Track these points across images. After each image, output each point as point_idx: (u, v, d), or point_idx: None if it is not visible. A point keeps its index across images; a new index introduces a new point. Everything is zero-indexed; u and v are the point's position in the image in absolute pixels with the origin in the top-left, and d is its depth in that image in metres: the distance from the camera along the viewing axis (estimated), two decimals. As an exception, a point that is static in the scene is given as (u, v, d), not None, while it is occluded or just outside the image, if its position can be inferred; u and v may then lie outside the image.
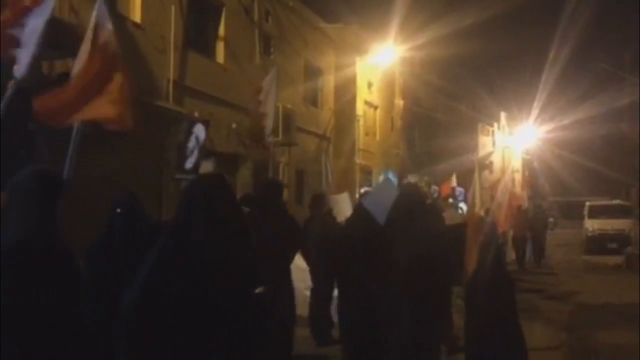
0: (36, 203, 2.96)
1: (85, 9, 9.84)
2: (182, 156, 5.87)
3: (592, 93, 33.73)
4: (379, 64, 22.93)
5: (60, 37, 8.49)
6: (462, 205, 14.37)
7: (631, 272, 16.17)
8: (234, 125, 14.27)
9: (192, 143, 6.36)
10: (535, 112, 35.66)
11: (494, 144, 38.20)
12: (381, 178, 23.40)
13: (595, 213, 23.57)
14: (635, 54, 24.20)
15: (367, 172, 22.90)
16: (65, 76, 9.03)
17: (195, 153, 6.04)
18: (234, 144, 14.51)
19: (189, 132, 6.43)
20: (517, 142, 40.72)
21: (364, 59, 21.87)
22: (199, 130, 6.36)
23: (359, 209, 5.46)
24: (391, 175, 24.06)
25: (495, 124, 38.78)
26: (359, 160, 21.99)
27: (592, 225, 22.87)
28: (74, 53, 8.75)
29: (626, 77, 25.84)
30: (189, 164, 6.01)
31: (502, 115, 39.78)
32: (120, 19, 10.97)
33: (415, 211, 5.04)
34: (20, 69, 4.52)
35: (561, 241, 23.97)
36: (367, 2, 24.34)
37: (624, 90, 26.79)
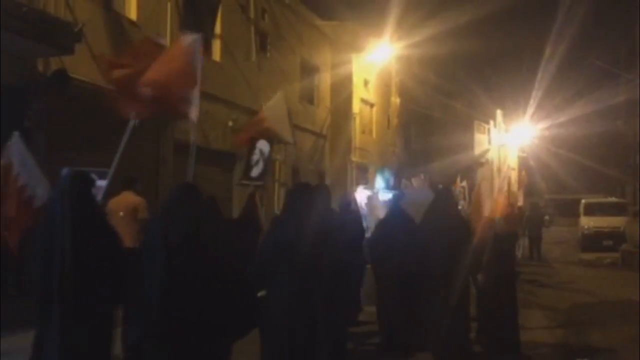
0: (191, 205, 4.14)
1: (81, 6, 9.83)
2: (248, 166, 7.49)
3: (588, 90, 33.80)
4: (375, 62, 22.93)
5: (55, 35, 8.50)
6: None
7: (627, 269, 16.23)
8: (230, 123, 14.28)
9: (256, 156, 7.76)
10: (531, 109, 35.67)
11: (490, 141, 38.26)
12: (378, 176, 23.47)
13: (591, 210, 23.61)
14: (630, 51, 24.26)
15: (363, 170, 22.92)
16: (60, 73, 9.05)
17: (261, 164, 7.54)
18: (230, 142, 14.49)
19: (253, 147, 7.85)
20: (513, 139, 40.79)
21: (360, 57, 21.88)
22: (263, 145, 7.87)
23: (396, 209, 7.39)
24: (387, 174, 24.11)
25: (491, 122, 38.82)
26: (355, 158, 22.01)
27: (587, 222, 22.91)
28: (69, 50, 8.79)
29: (622, 75, 25.89)
30: (255, 172, 7.54)
31: (498, 112, 39.83)
32: (116, 17, 10.96)
33: (445, 214, 6.65)
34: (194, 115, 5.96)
35: (557, 239, 24.04)
36: (363, 0, 24.36)
37: (620, 87, 26.82)
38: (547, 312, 9.99)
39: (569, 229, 25.87)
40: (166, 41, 6.52)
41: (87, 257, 3.88)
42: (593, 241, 22.01)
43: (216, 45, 14.32)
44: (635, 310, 9.49)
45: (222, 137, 14.20)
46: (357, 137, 22.37)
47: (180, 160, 12.46)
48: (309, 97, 19.64)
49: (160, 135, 11.98)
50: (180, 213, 4.07)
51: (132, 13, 11.42)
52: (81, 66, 9.63)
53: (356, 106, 22.24)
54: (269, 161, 7.54)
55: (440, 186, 16.02)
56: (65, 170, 4.17)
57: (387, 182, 22.74)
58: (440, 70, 29.45)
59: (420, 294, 6.59)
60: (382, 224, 7.53)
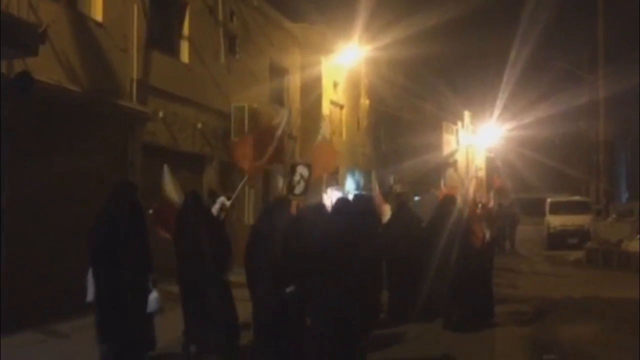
0: (285, 209, 6.81)
1: (45, 7, 9.60)
2: (291, 186, 9.25)
3: (551, 92, 34.36)
4: (345, 64, 22.94)
5: (18, 36, 8.27)
6: None
7: (591, 267, 16.54)
8: (199, 125, 14.13)
9: (297, 177, 9.39)
10: (497, 111, 36.13)
11: (458, 142, 38.63)
12: (348, 177, 23.51)
13: (556, 209, 24.02)
14: (592, 53, 24.68)
15: (333, 171, 22.88)
16: (23, 75, 8.82)
17: (302, 184, 9.29)
18: (200, 144, 14.35)
19: (293, 171, 9.44)
20: (481, 140, 41.27)
21: (329, 59, 21.85)
22: (302, 169, 9.50)
23: (405, 212, 10.09)
24: (357, 175, 24.15)
25: (459, 123, 39.22)
26: (325, 159, 21.98)
27: (553, 221, 23.31)
28: (33, 52, 8.57)
29: (585, 77, 26.35)
30: (297, 190, 9.24)
31: (466, 114, 40.25)
32: (81, 18, 10.74)
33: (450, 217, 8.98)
34: None
35: (523, 237, 24.34)
36: (332, 2, 24.33)
37: (583, 89, 27.30)
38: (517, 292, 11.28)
39: (535, 227, 26.28)
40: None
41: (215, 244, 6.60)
42: (558, 239, 22.43)
43: (184, 47, 14.13)
44: (599, 307, 9.67)
45: (191, 139, 14.04)
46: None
47: (148, 162, 12.27)
48: (279, 99, 19.55)
49: (128, 138, 11.77)
50: (280, 212, 6.60)
51: (98, 14, 11.19)
52: (45, 68, 9.41)
53: (326, 108, 22.22)
54: (309, 180, 9.31)
55: (395, 189, 18.03)
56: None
57: (357, 183, 22.78)
58: (409, 72, 29.63)
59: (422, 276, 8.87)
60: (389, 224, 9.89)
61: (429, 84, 31.85)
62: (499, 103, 34.59)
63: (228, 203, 8.63)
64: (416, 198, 15.52)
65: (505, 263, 16.20)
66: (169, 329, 6.95)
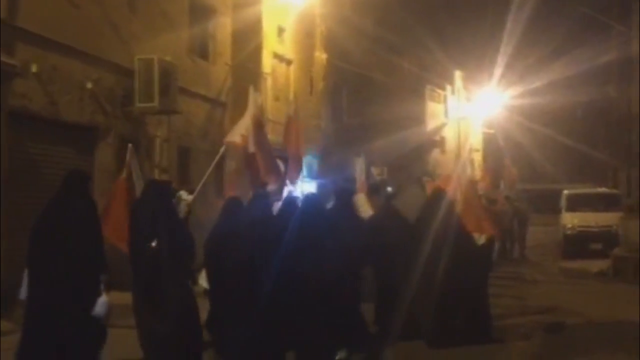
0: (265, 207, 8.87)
1: None
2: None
3: (569, 46, 35.00)
4: (293, 3, 22.88)
5: None
6: None
7: (619, 281, 16.95)
8: (89, 85, 13.94)
9: None
10: (498, 71, 36.62)
11: (446, 113, 39.06)
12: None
13: (575, 205, 24.54)
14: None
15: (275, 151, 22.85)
16: None
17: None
18: (90, 111, 14.14)
19: None
20: (477, 111, 41.78)
21: (272, -4, 21.79)
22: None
23: (390, 209, 10.78)
24: (310, 156, 24.16)
25: (448, 87, 39.62)
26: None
27: (571, 220, 23.81)
28: None
29: (613, 25, 26.78)
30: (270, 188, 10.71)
31: (457, 74, 40.68)
32: None
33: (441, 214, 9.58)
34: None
35: (532, 241, 24.83)
36: None
37: (611, 42, 27.72)
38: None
39: (547, 228, 26.83)
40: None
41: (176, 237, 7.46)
42: (578, 244, 22.96)
43: (68, -26, 13.86)
44: (629, 333, 9.92)
45: (78, 105, 13.80)
46: (269, 106, 22.28)
47: (16, 135, 12.06)
48: (202, 51, 19.39)
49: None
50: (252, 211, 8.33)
51: None
52: None
53: (267, 64, 22.15)
54: (284, 177, 11.14)
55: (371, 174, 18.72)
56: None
57: (309, 167, 22.80)
58: (381, 16, 29.73)
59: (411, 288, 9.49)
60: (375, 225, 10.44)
61: (408, 34, 32.04)
62: (501, 61, 35.05)
63: (190, 198, 10.18)
64: (389, 189, 15.70)
65: (511, 272, 17.56)
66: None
